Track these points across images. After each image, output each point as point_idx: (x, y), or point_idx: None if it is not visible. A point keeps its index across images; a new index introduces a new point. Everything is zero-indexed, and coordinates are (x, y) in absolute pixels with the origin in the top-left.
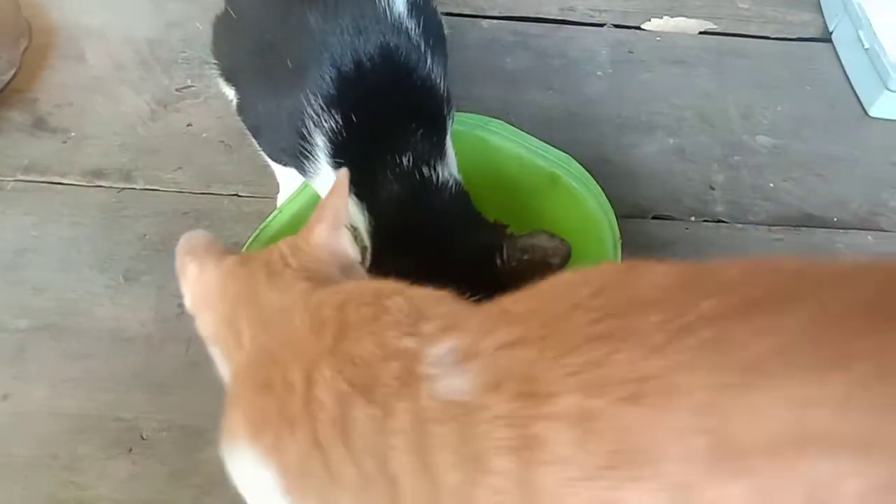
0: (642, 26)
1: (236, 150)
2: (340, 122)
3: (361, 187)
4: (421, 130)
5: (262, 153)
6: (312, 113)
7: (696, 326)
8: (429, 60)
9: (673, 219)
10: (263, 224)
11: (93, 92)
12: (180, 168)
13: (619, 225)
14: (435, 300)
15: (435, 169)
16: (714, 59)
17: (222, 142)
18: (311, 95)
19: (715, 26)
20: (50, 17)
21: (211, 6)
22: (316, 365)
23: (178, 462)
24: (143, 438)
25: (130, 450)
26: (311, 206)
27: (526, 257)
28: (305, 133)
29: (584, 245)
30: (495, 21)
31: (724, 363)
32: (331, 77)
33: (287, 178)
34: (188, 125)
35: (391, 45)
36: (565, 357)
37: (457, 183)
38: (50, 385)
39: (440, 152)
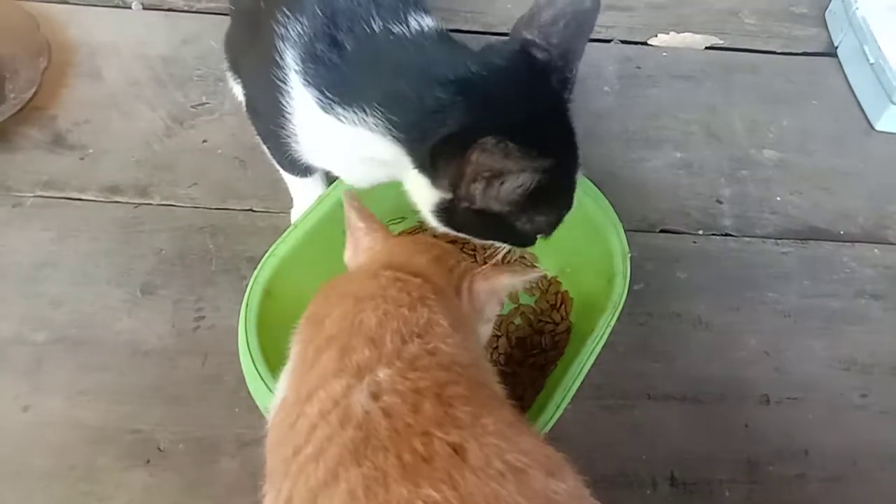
0: (649, 42)
1: (250, 166)
2: (306, 24)
3: (353, 97)
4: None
5: (274, 163)
6: (280, 28)
7: None
8: None
9: (681, 232)
10: (279, 240)
11: (109, 109)
12: (196, 184)
13: (627, 238)
14: (441, 335)
15: (407, 23)
16: (720, 73)
17: (237, 158)
18: (278, 13)
19: (721, 41)
20: (67, 34)
21: (224, 24)
22: (345, 302)
23: (194, 473)
24: (159, 450)
25: (147, 461)
26: (326, 221)
27: (562, 23)
28: (278, 58)
29: (593, 258)
30: (504, 38)
31: None
32: None
33: (301, 193)
34: (203, 141)
35: None
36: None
37: (438, 26)
38: (68, 397)
39: (413, 4)
